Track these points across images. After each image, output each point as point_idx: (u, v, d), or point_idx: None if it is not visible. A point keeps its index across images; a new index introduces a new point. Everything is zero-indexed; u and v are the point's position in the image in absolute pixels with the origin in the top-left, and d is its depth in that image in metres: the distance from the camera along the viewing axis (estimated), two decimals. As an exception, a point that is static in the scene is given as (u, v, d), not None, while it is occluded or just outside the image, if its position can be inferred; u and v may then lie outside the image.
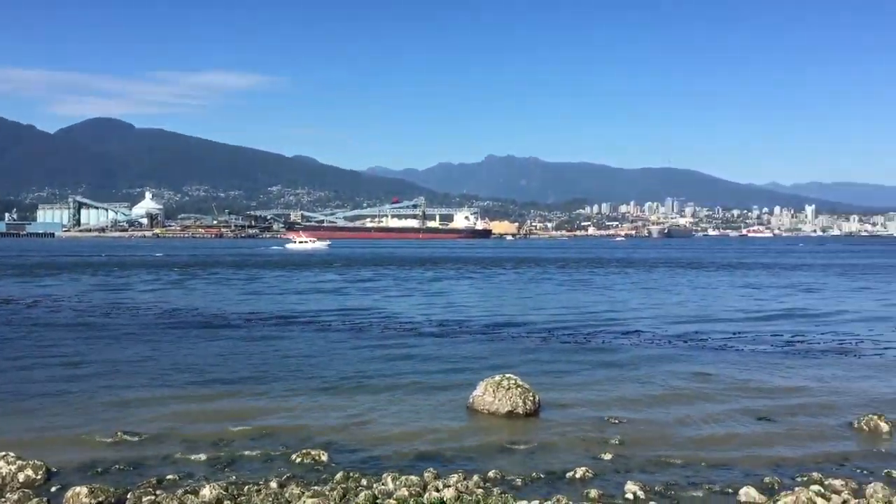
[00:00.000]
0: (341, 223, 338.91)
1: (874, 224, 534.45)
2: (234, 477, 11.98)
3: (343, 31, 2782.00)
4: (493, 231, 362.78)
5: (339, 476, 11.94)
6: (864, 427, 15.39)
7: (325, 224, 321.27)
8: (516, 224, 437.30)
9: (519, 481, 12.05)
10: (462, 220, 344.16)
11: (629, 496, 11.34)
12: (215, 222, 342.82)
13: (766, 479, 12.07)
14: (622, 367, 22.05)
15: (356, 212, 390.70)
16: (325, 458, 13.05)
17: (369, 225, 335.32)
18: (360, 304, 40.34)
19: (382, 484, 11.52)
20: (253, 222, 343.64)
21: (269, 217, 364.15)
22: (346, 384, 19.29)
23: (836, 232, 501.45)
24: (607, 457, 13.37)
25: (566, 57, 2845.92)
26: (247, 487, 11.30)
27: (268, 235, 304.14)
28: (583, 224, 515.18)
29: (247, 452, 13.38)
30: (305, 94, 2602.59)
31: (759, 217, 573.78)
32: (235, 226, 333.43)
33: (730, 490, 11.57)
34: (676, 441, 14.48)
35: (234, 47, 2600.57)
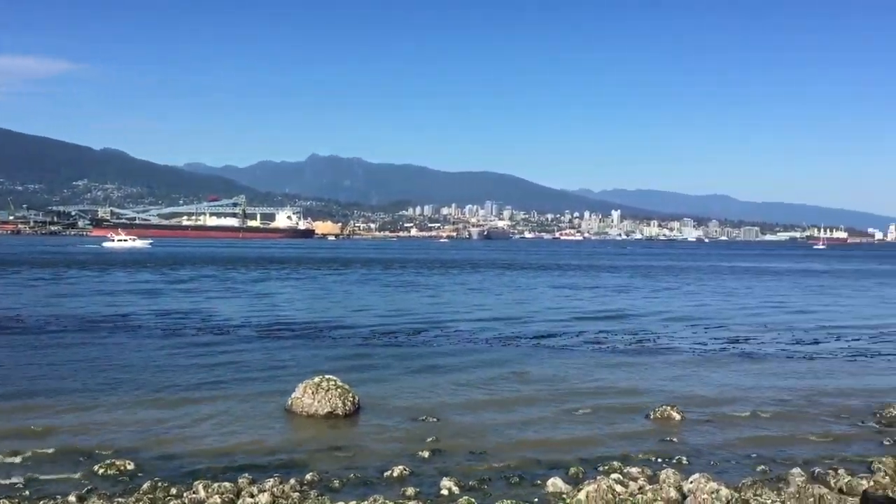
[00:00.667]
0: (155, 221, 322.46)
1: (671, 229, 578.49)
2: (27, 493, 11.12)
3: (158, 20, 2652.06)
4: (317, 231, 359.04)
5: (146, 486, 11.36)
6: (659, 416, 16.61)
7: (137, 221, 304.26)
8: (340, 224, 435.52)
9: (337, 483, 12.01)
10: (284, 219, 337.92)
11: (444, 492, 11.60)
12: (11, 218, 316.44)
13: (572, 471, 12.75)
14: (442, 366, 22.51)
15: (172, 209, 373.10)
16: (131, 467, 12.39)
17: (186, 223, 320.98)
18: (178, 307, 38.62)
19: (193, 492, 11.09)
20: (55, 218, 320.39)
21: (73, 213, 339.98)
22: (158, 391, 18.40)
23: (638, 236, 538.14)
24: (425, 455, 13.60)
25: (388, 57, 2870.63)
26: (42, 503, 10.52)
27: (72, 233, 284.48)
28: (406, 225, 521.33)
29: (45, 469, 12.44)
30: (116, 84, 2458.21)
31: (570, 221, 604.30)
32: (35, 222, 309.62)
33: (539, 482, 12.13)
34: (491, 437, 14.95)
35: (38, 30, 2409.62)
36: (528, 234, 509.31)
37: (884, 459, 12.83)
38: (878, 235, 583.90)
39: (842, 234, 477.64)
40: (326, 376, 17.03)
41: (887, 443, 14.95)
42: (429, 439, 14.54)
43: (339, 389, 16.53)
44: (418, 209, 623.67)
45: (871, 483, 11.04)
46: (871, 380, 21.56)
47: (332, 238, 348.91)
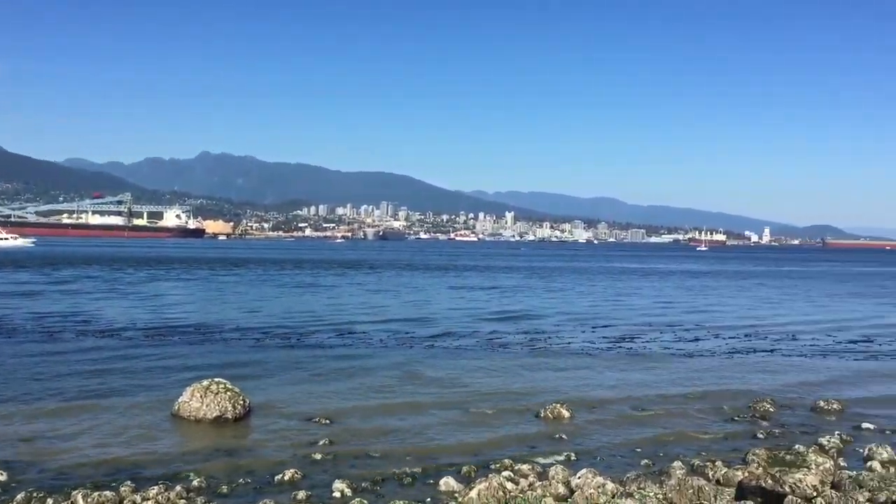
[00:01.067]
0: (33, 219, 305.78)
1: (563, 231, 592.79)
2: None
3: (40, 8, 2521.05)
4: (207, 231, 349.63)
5: (20, 497, 10.78)
6: (550, 415, 17.00)
7: (12, 219, 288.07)
8: (231, 224, 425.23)
9: (225, 488, 11.73)
10: (173, 218, 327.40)
11: (337, 495, 11.51)
12: None
13: (465, 469, 12.88)
14: (336, 368, 22.32)
15: (50, 206, 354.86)
16: (3, 478, 11.73)
17: (66, 222, 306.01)
18: (59, 308, 36.80)
19: (72, 502, 10.60)
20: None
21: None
22: (37, 399, 17.50)
23: (531, 237, 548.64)
24: (317, 457, 13.46)
25: (283, 54, 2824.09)
26: None
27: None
28: (300, 225, 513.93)
29: None
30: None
31: (465, 222, 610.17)
32: None
33: (431, 482, 12.20)
34: (385, 439, 14.94)
35: None
36: (423, 235, 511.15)
37: (757, 451, 13.53)
38: (754, 238, 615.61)
39: (721, 237, 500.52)
40: (216, 379, 16.61)
41: (760, 435, 15.79)
42: (321, 442, 14.39)
43: (228, 393, 16.15)
44: (313, 209, 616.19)
45: (746, 473, 11.62)
46: (746, 376, 22.69)
47: (224, 238, 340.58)
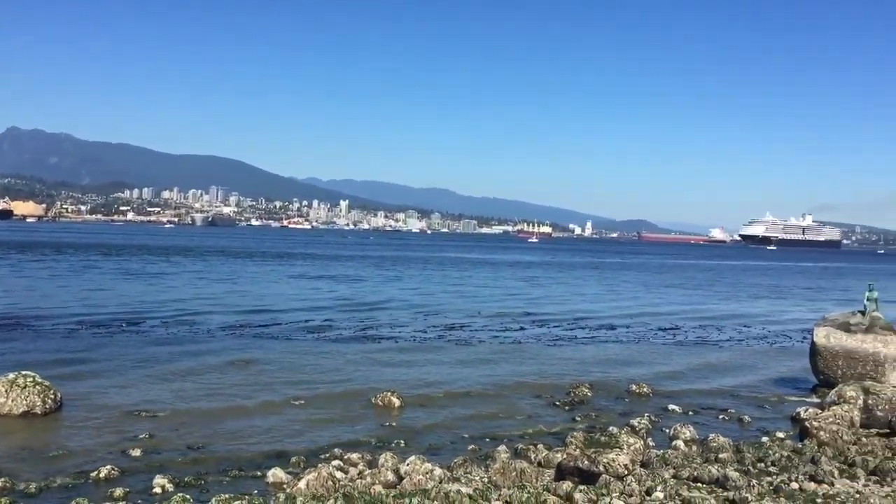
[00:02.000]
0: None
1: (397, 220, 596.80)
2: None
3: None
4: (16, 212, 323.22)
5: None
6: (380, 403, 17.12)
7: None
8: (44, 206, 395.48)
9: (34, 488, 10.94)
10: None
11: (158, 490, 11.04)
12: None
13: (293, 460, 12.73)
14: (158, 358, 21.38)
15: None
16: None
17: None
18: None
19: None
20: None
21: None
22: None
23: (365, 226, 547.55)
24: (136, 453, 12.84)
25: (103, 25, 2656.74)
26: None
27: None
28: (122, 209, 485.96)
29: None
30: None
31: (299, 209, 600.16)
32: None
33: (259, 473, 11.96)
34: (210, 431, 14.48)
35: None
36: (255, 222, 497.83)
37: (575, 434, 14.28)
38: (578, 231, 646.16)
39: (547, 229, 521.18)
40: (24, 372, 15.46)
41: (578, 419, 16.66)
42: (141, 436, 13.74)
43: (38, 386, 15.08)
44: (136, 192, 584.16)
45: (565, 455, 12.23)
46: (567, 362, 23.85)
47: (34, 220, 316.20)
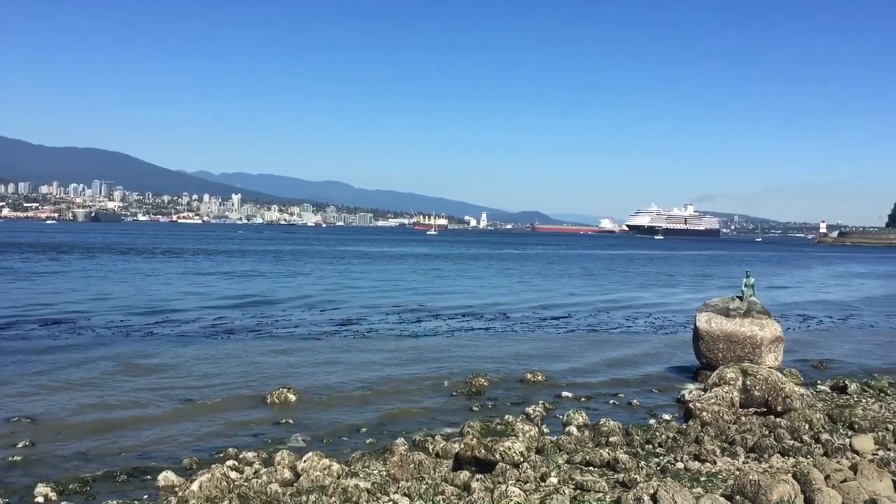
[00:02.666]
0: None
1: (291, 214, 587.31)
2: None
3: None
4: None
5: None
6: (276, 400, 16.88)
7: None
8: None
9: None
10: None
11: (40, 500, 10.55)
12: None
13: (186, 462, 12.40)
14: (39, 361, 20.37)
15: None
16: None
17: None
18: None
19: None
20: None
21: None
22: None
23: (259, 220, 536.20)
24: (16, 459, 12.23)
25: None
26: None
27: None
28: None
29: None
30: None
31: (189, 204, 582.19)
32: None
33: (149, 478, 11.59)
34: (96, 436, 13.91)
35: None
36: (142, 217, 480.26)
37: (472, 423, 14.42)
38: (473, 223, 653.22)
39: (443, 222, 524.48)
40: None
41: (475, 409, 16.90)
42: (21, 444, 13.07)
43: None
44: (11, 187, 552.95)
45: (462, 445, 12.37)
46: (464, 354, 24.12)
47: None
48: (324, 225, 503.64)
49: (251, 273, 58.35)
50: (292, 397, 16.98)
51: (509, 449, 11.77)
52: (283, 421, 15.42)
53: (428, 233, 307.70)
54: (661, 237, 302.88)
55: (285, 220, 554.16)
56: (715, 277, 68.99)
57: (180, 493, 10.45)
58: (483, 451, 11.83)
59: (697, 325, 21.23)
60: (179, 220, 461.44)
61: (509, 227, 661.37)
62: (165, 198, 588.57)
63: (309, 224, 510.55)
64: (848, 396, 18.42)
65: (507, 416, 15.14)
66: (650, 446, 13.62)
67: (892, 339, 30.56)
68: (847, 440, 13.53)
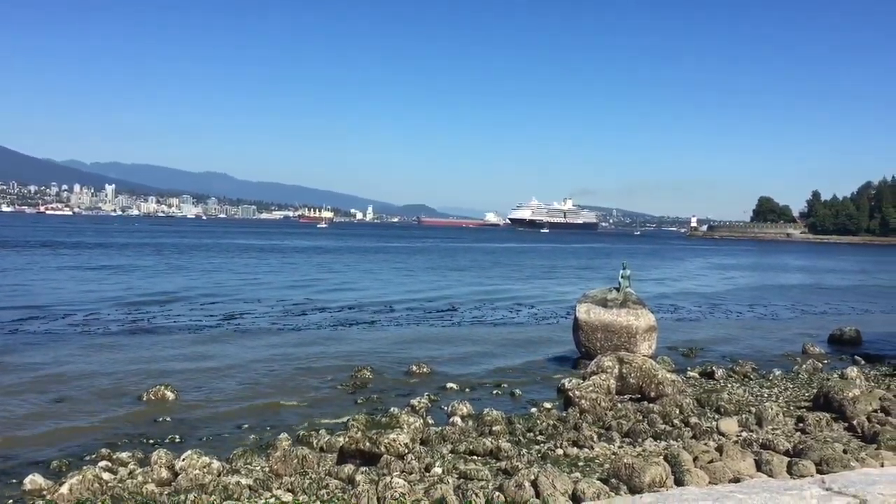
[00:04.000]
0: None
1: (170, 206, 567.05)
2: None
3: None
4: None
5: None
6: (153, 398, 16.31)
7: None
8: None
9: None
10: None
11: None
12: None
13: (55, 464, 11.83)
14: None
15: None
16: None
17: None
18: None
19: None
20: None
21: None
22: None
23: (135, 212, 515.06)
24: None
25: None
26: None
27: None
28: None
29: None
30: None
31: (58, 194, 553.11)
32: None
33: (14, 481, 11.00)
34: (-46, 439, 13.09)
35: None
36: (6, 208, 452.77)
37: (357, 417, 14.42)
38: (360, 216, 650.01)
39: (329, 214, 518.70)
40: None
41: (360, 401, 16.87)
42: None
43: None
44: None
45: (346, 439, 12.34)
46: (349, 347, 24.02)
47: None
48: (205, 218, 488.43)
49: (130, 267, 55.99)
50: (170, 395, 16.45)
51: (394, 441, 11.84)
52: (161, 419, 14.93)
53: (318, 226, 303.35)
54: (547, 230, 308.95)
55: (164, 212, 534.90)
56: (595, 269, 71.32)
57: (48, 497, 9.97)
58: (368, 443, 11.85)
59: (577, 315, 21.89)
60: (48, 212, 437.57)
61: (395, 220, 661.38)
62: (32, 188, 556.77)
63: (189, 217, 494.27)
64: (715, 382, 19.47)
65: (392, 409, 15.19)
66: (531, 434, 13.97)
67: (754, 327, 32.43)
68: (714, 423, 14.31)
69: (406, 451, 11.80)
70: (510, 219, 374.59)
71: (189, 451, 11.66)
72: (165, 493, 10.09)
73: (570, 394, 16.18)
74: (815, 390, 17.36)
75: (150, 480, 10.67)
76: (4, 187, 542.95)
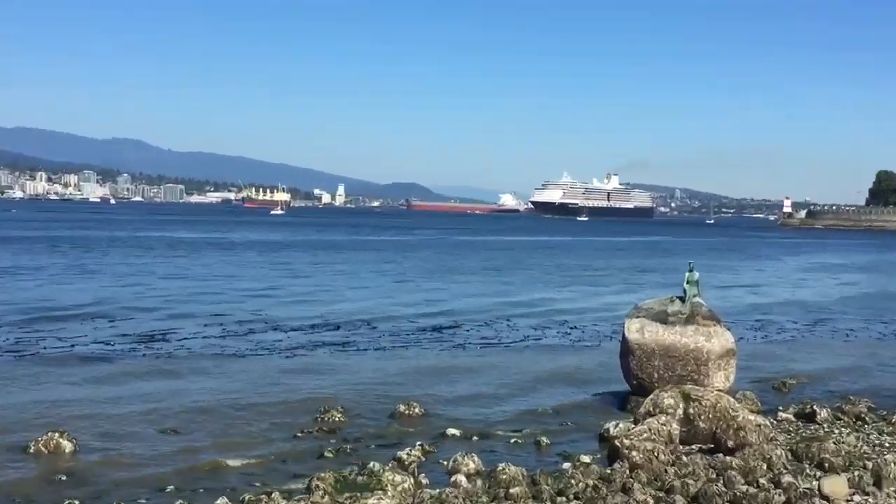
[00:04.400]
0: None
1: (66, 185, 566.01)
2: None
3: None
4: None
5: None
6: (44, 449, 16.35)
7: None
8: None
9: None
10: None
11: None
12: None
13: None
14: None
15: None
16: None
17: None
18: None
19: None
20: None
21: None
22: None
23: (18, 194, 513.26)
24: None
25: None
26: None
27: None
28: None
29: None
30: None
31: None
32: None
33: None
34: None
35: None
36: None
37: (323, 475, 14.45)
38: (326, 198, 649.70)
39: (284, 196, 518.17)
40: None
41: (329, 454, 16.88)
42: None
43: None
44: None
45: (309, 505, 12.39)
46: (312, 379, 24.03)
47: None
48: (113, 201, 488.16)
49: (11, 271, 55.94)
50: (68, 445, 16.49)
51: (374, 508, 11.87)
52: (56, 477, 15.00)
53: (272, 212, 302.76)
54: (586, 218, 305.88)
55: (57, 193, 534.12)
56: (650, 271, 71.33)
57: None
58: (338, 511, 11.88)
59: (627, 335, 21.84)
60: None
61: (376, 204, 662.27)
62: None
63: (92, 199, 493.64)
64: (817, 426, 19.46)
65: (371, 464, 15.21)
66: (563, 498, 13.98)
67: (873, 351, 32.38)
68: (815, 483, 14.32)
69: (391, 521, 11.84)
70: (533, 202, 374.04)
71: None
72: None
73: (617, 443, 16.19)
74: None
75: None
76: None
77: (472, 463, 15.74)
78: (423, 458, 16.53)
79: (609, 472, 15.36)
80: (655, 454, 15.75)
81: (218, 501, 13.46)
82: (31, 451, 16.38)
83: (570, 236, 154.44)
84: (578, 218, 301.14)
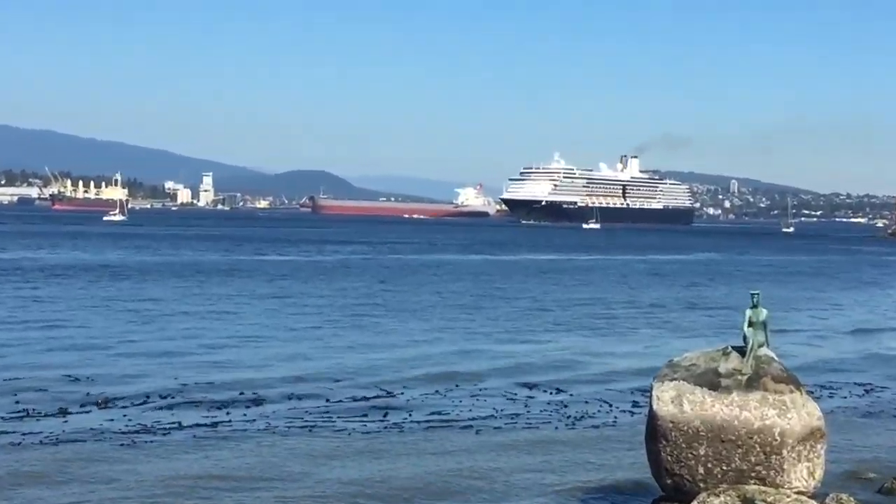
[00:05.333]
0: None
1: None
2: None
3: None
4: None
5: None
6: None
7: None
8: None
9: None
10: None
11: None
12: None
13: None
14: None
15: None
16: None
17: None
18: None
19: None
20: None
21: None
22: None
23: None
24: None
25: None
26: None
27: None
28: None
29: None
30: None
31: None
32: None
33: None
34: None
35: None
36: None
37: None
38: (185, 196, 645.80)
39: (121, 193, 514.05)
40: None
41: None
42: None
43: None
44: None
45: None
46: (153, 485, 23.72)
47: None
48: None
49: None
50: None
51: None
52: None
53: (105, 217, 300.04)
54: (597, 225, 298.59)
55: None
56: (691, 307, 71.47)
57: None
58: None
59: (656, 408, 21.59)
60: None
61: (264, 204, 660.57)
62: None
63: None
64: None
65: None
66: None
67: None
68: None
69: None
70: (506, 200, 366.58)
71: None
72: None
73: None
74: None
75: None
76: None
77: None
78: None
79: None
80: None
81: None
82: None
83: (563, 254, 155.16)
84: (586, 225, 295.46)
